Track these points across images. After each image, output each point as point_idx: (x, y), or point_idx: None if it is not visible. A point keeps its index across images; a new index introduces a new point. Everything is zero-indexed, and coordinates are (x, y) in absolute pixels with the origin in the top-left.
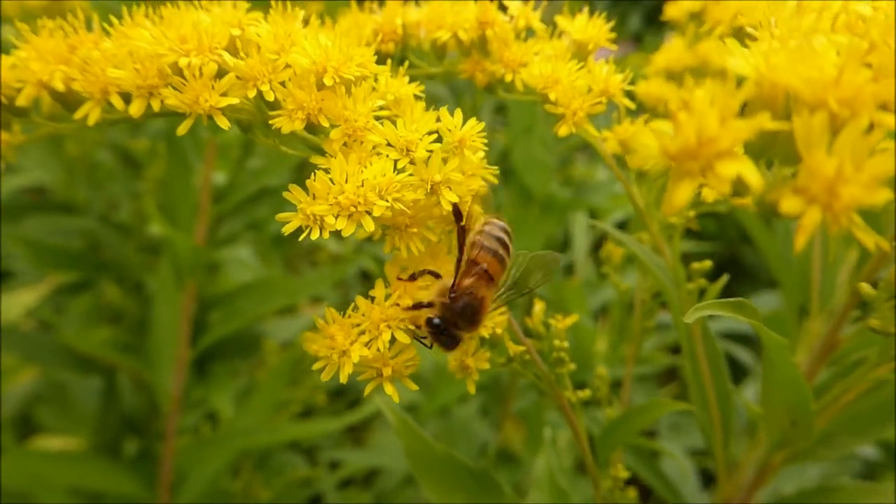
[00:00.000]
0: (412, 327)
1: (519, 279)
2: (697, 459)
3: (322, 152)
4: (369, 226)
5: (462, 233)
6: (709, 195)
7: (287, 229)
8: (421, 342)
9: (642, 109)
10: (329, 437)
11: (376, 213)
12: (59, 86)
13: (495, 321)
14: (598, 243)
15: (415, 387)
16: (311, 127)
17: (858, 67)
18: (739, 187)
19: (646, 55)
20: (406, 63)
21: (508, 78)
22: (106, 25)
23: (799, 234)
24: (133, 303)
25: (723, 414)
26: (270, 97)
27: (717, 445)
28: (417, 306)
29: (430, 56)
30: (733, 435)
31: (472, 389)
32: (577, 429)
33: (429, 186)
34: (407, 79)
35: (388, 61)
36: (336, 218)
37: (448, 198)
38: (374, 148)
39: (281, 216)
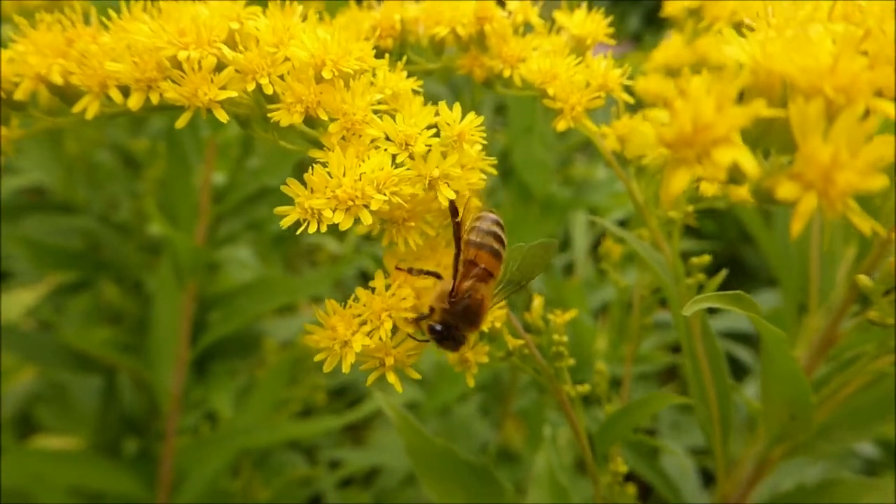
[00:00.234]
0: (412, 320)
1: (517, 272)
2: (698, 458)
3: (320, 146)
4: (367, 219)
5: (458, 229)
6: (708, 189)
7: (285, 223)
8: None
9: (641, 106)
10: (329, 437)
11: (374, 207)
12: (57, 79)
13: (495, 315)
14: (597, 243)
15: (417, 375)
16: (310, 120)
17: (854, 55)
18: (736, 174)
19: (645, 54)
20: (404, 58)
21: (507, 73)
22: (104, 19)
23: (795, 220)
24: (133, 302)
25: (722, 411)
26: (269, 90)
27: (716, 442)
28: (418, 318)
29: (428, 52)
30: (733, 432)
31: (471, 382)
32: (576, 424)
33: (426, 181)
34: (405, 73)
35: (387, 56)
36: (333, 211)
37: (446, 193)
38: (372, 142)
39: (279, 209)
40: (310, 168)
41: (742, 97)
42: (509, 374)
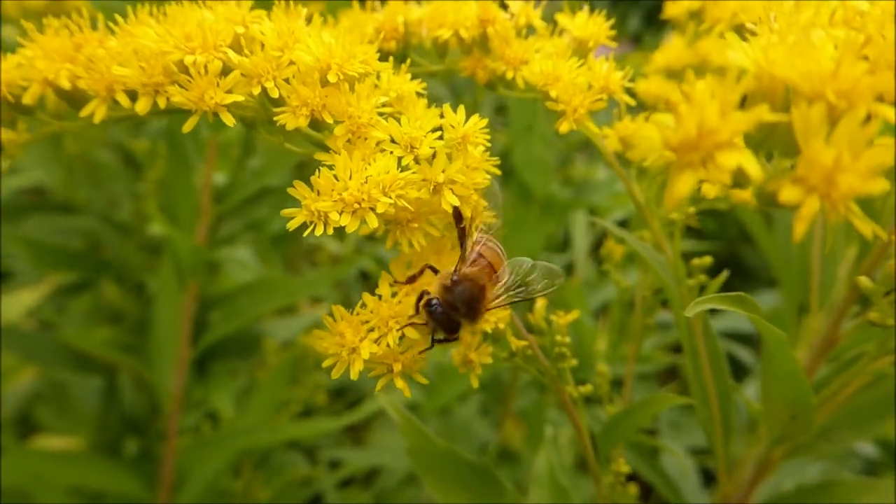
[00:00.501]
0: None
1: (523, 283)
2: (698, 458)
3: (326, 149)
4: (373, 222)
5: (463, 234)
6: (709, 191)
7: (292, 225)
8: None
9: (642, 107)
10: (329, 437)
11: (380, 210)
12: (65, 84)
13: (498, 316)
14: (598, 243)
15: (425, 381)
16: (315, 123)
17: (855, 60)
18: (739, 178)
19: (645, 55)
20: (408, 61)
21: (509, 75)
22: (111, 24)
23: (798, 223)
24: (133, 303)
25: (723, 411)
26: (275, 94)
27: (717, 442)
28: (419, 298)
29: (431, 54)
30: (734, 432)
31: (475, 383)
32: (579, 424)
33: (432, 186)
34: (409, 76)
35: (391, 59)
36: (340, 214)
37: (449, 199)
38: (377, 144)
39: (286, 212)
40: (311, 168)
41: (745, 101)
42: (509, 373)
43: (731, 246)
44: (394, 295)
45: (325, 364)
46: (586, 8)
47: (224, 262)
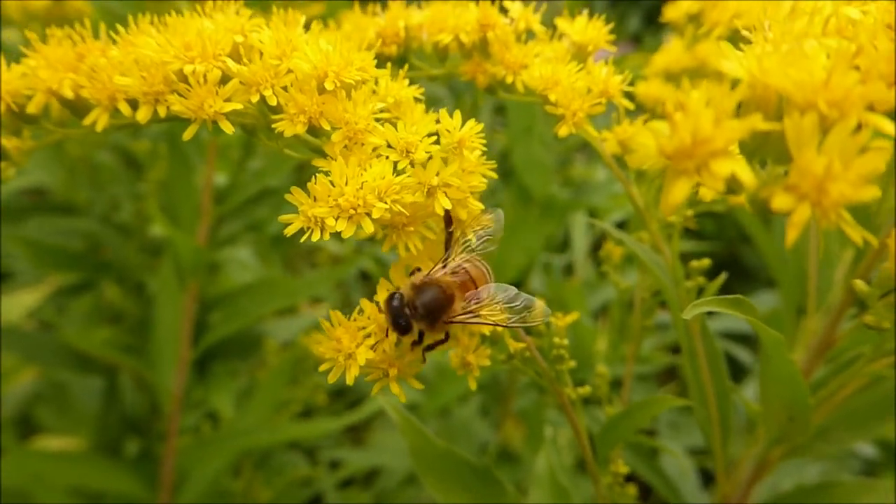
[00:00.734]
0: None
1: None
2: (697, 458)
3: (324, 154)
4: (368, 228)
5: (450, 239)
6: (706, 194)
7: (289, 231)
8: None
9: (641, 110)
10: (329, 437)
11: (375, 216)
12: (68, 93)
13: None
14: (597, 243)
15: (420, 386)
16: (313, 130)
17: (847, 70)
18: (733, 185)
19: (645, 55)
20: (406, 66)
21: (509, 80)
22: (112, 34)
23: (790, 230)
24: (134, 303)
25: (721, 412)
26: (273, 101)
27: (715, 443)
28: (393, 293)
29: (432, 58)
30: (732, 433)
31: (473, 386)
32: (578, 426)
33: (426, 189)
34: (407, 81)
35: (388, 64)
36: (336, 220)
37: (443, 202)
38: (374, 150)
39: (283, 218)
40: (311, 170)
41: (740, 108)
42: (509, 374)
43: (731, 246)
44: None
45: (322, 368)
46: (586, 12)
47: (224, 262)
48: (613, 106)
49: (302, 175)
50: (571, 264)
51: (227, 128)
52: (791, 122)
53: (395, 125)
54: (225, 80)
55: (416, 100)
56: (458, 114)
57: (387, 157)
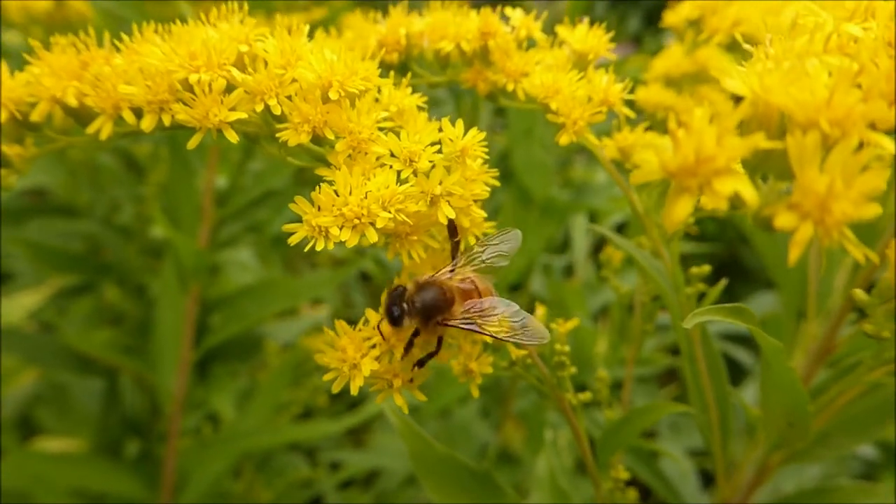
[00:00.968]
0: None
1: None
2: (697, 460)
3: (327, 163)
4: (372, 237)
5: (456, 248)
6: (708, 203)
7: (293, 240)
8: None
9: (642, 115)
10: (330, 439)
11: (379, 225)
12: (72, 101)
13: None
14: (597, 245)
15: (423, 398)
16: (317, 139)
17: (849, 89)
18: (736, 202)
19: (645, 57)
20: (409, 74)
21: (510, 87)
22: (116, 42)
23: (793, 248)
24: (134, 305)
25: (721, 415)
26: (277, 111)
27: (715, 446)
28: (396, 288)
29: (433, 65)
30: (732, 435)
31: (475, 393)
32: (578, 430)
33: (429, 198)
34: (410, 90)
35: (392, 73)
36: (340, 229)
37: (446, 211)
38: (378, 159)
39: (288, 227)
40: (311, 172)
41: (742, 126)
42: (509, 376)
43: (731, 247)
44: None
45: (326, 378)
46: (586, 20)
47: (225, 264)
48: (614, 112)
49: (302, 176)
50: (572, 265)
51: (232, 137)
52: (793, 140)
53: (398, 134)
54: (230, 89)
55: (419, 108)
56: (460, 122)
57: (390, 167)
